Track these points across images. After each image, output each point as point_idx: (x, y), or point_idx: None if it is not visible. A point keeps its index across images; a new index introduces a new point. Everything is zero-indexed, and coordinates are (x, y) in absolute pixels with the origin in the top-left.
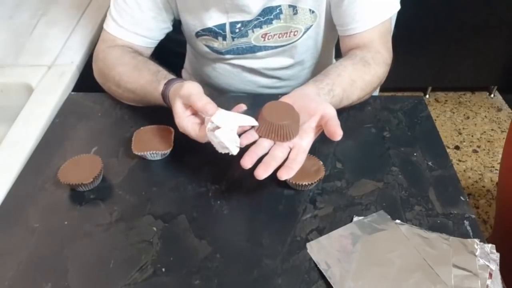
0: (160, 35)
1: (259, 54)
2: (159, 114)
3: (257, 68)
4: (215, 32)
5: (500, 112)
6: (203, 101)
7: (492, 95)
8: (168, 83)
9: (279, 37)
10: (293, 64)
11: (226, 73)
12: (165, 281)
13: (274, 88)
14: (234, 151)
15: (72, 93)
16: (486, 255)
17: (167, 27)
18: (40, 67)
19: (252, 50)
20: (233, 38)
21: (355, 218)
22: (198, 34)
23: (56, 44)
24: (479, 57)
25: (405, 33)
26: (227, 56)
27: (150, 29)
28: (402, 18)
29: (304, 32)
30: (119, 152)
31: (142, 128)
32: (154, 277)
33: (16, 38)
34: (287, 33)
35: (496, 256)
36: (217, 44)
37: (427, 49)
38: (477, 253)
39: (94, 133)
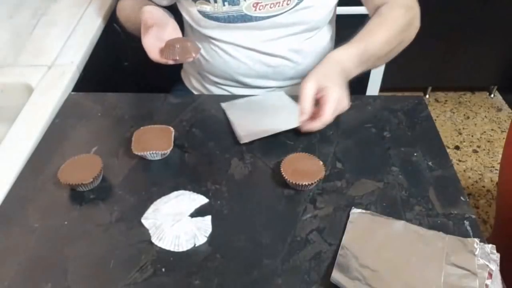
0: None
1: (251, 24)
2: (159, 114)
3: (253, 45)
4: None
5: (500, 112)
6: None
7: (492, 95)
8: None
9: (270, 7)
10: (285, 36)
11: (222, 52)
12: (165, 281)
13: (266, 66)
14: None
15: (72, 93)
16: (486, 255)
17: None
18: (40, 67)
19: (243, 19)
20: (223, 2)
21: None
22: None
23: (56, 44)
24: (479, 57)
25: None
26: (220, 24)
27: None
28: None
29: (297, 3)
30: (119, 152)
31: (142, 128)
32: (154, 277)
33: (16, 38)
34: (279, 2)
35: (496, 256)
36: (209, 8)
37: (427, 49)
38: (476, 253)
39: (94, 133)
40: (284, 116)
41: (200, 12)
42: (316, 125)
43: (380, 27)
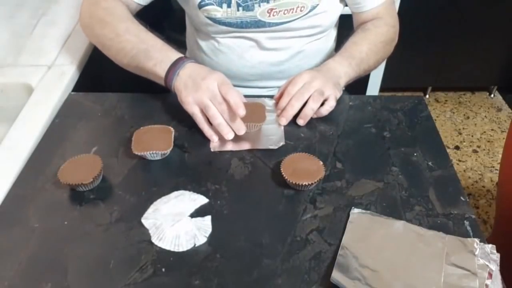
0: None
1: (263, 29)
2: (159, 114)
3: (259, 39)
4: (220, 0)
5: (500, 112)
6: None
7: (492, 95)
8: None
9: (284, 14)
10: (293, 37)
11: (227, 50)
12: (165, 281)
13: (271, 65)
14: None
15: (72, 93)
16: (486, 255)
17: None
18: (40, 67)
19: (256, 24)
20: (238, 7)
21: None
22: (201, 5)
23: (56, 44)
24: (479, 57)
25: (405, 33)
26: (230, 29)
27: None
28: (402, 18)
29: (311, 10)
30: (119, 152)
31: (142, 128)
32: (154, 277)
33: (16, 38)
34: (293, 8)
35: (496, 256)
36: (220, 13)
37: (427, 49)
38: (476, 253)
39: (94, 133)
40: (264, 137)
41: (208, 18)
42: (284, 101)
43: (364, 40)
